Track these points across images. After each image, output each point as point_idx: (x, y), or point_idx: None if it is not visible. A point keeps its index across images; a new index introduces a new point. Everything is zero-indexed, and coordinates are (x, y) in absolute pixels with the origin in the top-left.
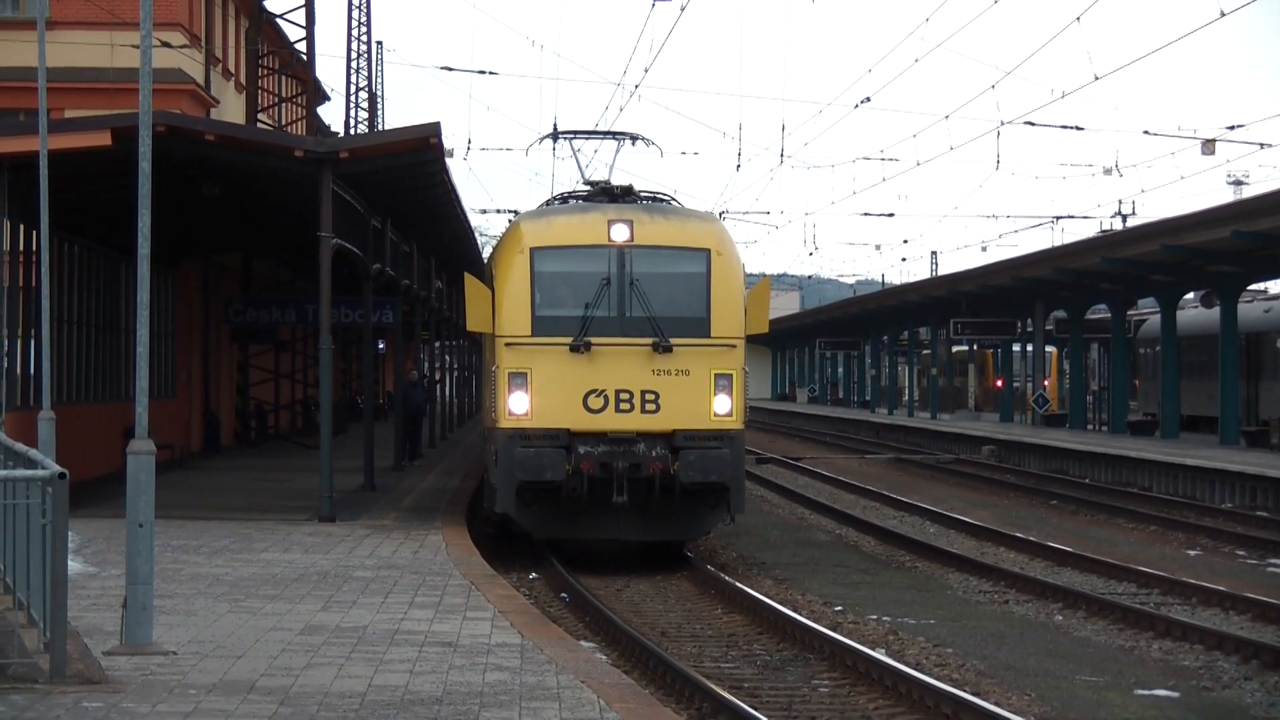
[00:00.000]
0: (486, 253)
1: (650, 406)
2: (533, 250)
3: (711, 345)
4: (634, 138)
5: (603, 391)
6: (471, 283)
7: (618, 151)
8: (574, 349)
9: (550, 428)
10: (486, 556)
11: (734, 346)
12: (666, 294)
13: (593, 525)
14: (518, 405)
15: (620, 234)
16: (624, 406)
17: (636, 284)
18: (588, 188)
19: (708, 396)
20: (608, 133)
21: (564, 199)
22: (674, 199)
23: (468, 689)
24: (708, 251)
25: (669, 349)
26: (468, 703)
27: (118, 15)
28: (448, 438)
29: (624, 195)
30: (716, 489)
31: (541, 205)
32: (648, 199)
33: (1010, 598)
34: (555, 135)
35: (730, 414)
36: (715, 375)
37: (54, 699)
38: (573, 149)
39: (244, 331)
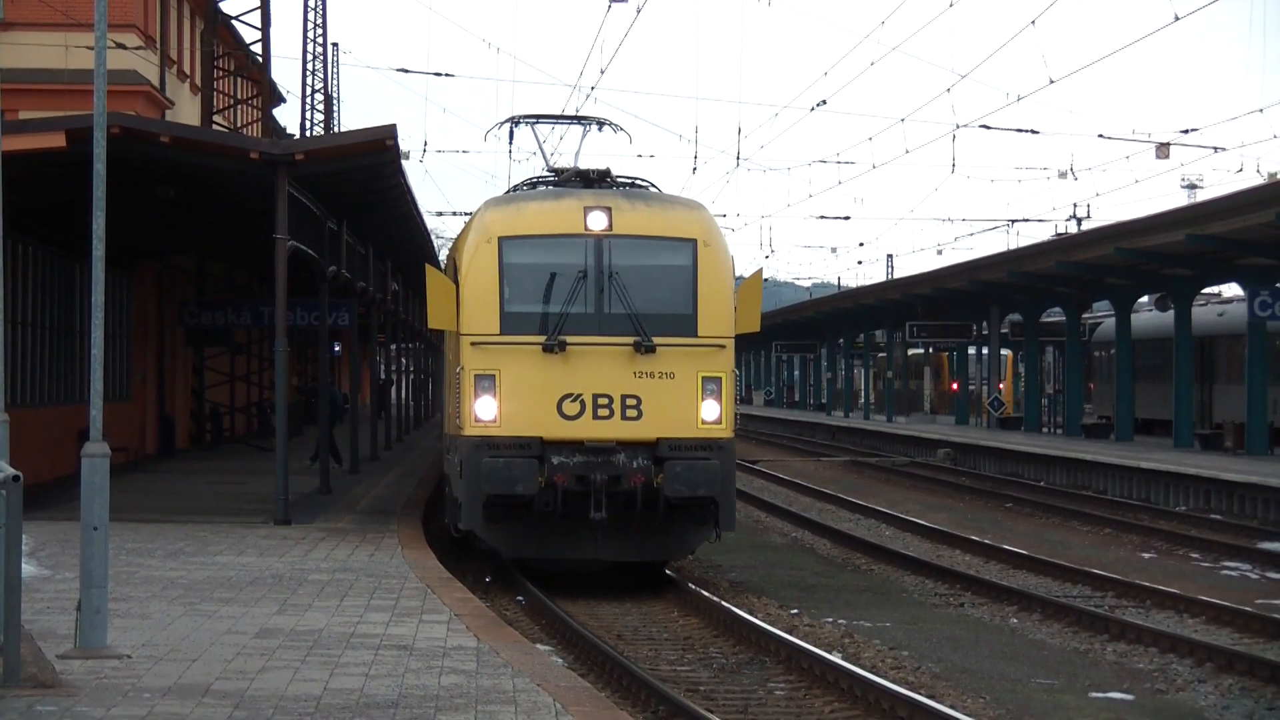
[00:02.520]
0: (443, 255)
1: (631, 413)
2: (501, 240)
3: (699, 345)
4: (601, 123)
5: (579, 396)
6: (433, 275)
7: (584, 137)
8: (547, 349)
9: (521, 436)
10: (442, 559)
11: (723, 347)
12: (649, 288)
13: (567, 544)
14: (485, 411)
15: (598, 222)
16: (602, 413)
17: (616, 277)
18: (553, 176)
19: (695, 402)
20: (573, 117)
21: (533, 184)
22: (654, 185)
23: (424, 692)
24: (694, 242)
25: (652, 349)
26: (424, 706)
27: (72, 16)
28: (404, 440)
29: (600, 180)
30: (704, 504)
31: (509, 190)
32: (626, 184)
33: (965, 600)
34: (515, 120)
35: (719, 421)
36: (703, 378)
37: (7, 703)
38: (535, 135)
39: (199, 334)
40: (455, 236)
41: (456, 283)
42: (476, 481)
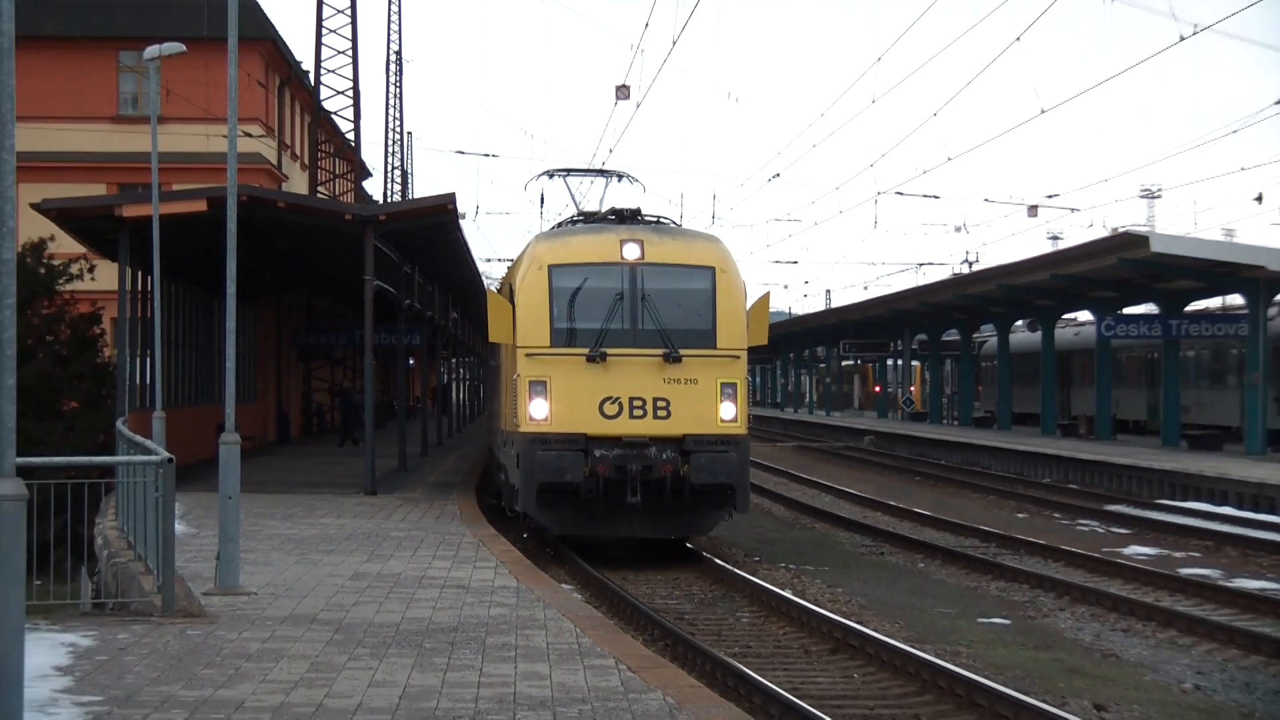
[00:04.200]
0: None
1: (661, 413)
2: (550, 267)
3: (717, 356)
4: (620, 175)
5: (617, 399)
6: (494, 298)
7: (606, 187)
8: (590, 359)
9: (569, 432)
10: (491, 521)
11: (738, 357)
12: (675, 308)
13: (608, 523)
14: (538, 411)
15: (632, 252)
16: (637, 413)
17: (648, 299)
18: (582, 217)
19: (714, 403)
20: (599, 170)
21: (574, 221)
22: (676, 222)
23: (477, 620)
24: (713, 269)
25: (678, 359)
26: (477, 630)
27: (212, 112)
28: (461, 431)
29: (633, 217)
30: (724, 489)
31: (555, 227)
32: (653, 221)
33: (885, 550)
34: (551, 173)
35: (735, 420)
36: (721, 384)
37: (165, 628)
38: (567, 185)
39: (307, 351)
40: (508, 267)
41: (513, 303)
42: (531, 471)
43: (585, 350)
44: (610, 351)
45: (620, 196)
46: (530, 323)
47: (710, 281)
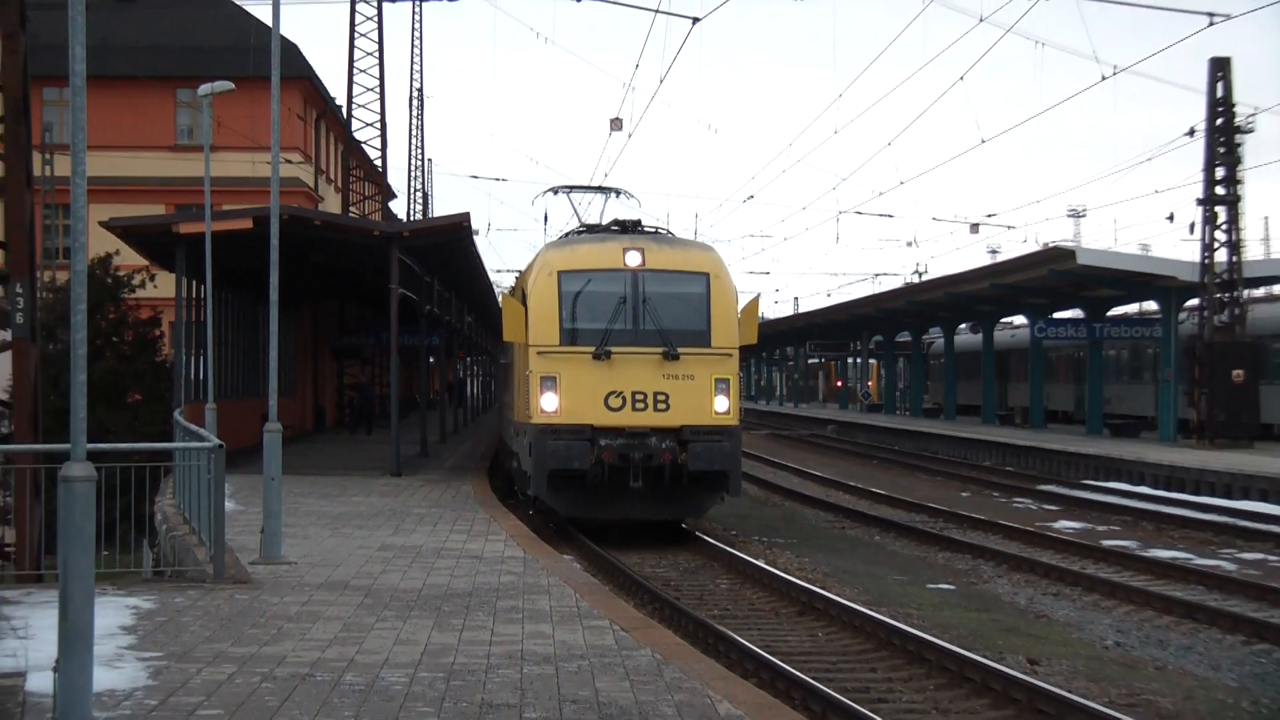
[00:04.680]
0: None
1: (661, 406)
2: (560, 273)
3: (712, 354)
4: (618, 191)
5: (621, 393)
6: (508, 301)
7: (605, 202)
8: (596, 357)
9: (576, 424)
10: (501, 501)
11: (730, 355)
12: (673, 310)
13: (612, 506)
14: (548, 404)
15: (634, 259)
16: (639, 406)
17: (648, 302)
18: (585, 229)
19: (709, 397)
20: (599, 187)
21: (580, 231)
22: (671, 232)
23: (489, 586)
24: (707, 275)
25: (676, 357)
26: (489, 595)
27: (257, 141)
28: (474, 421)
29: (634, 228)
30: (718, 475)
31: (563, 236)
32: (652, 231)
33: (845, 525)
34: (555, 190)
35: (728, 412)
36: (715, 379)
37: (216, 593)
38: (570, 201)
39: (341, 351)
40: (520, 273)
41: (525, 306)
42: (543, 459)
43: (591, 348)
44: (614, 350)
45: (617, 211)
46: (541, 323)
47: (705, 286)
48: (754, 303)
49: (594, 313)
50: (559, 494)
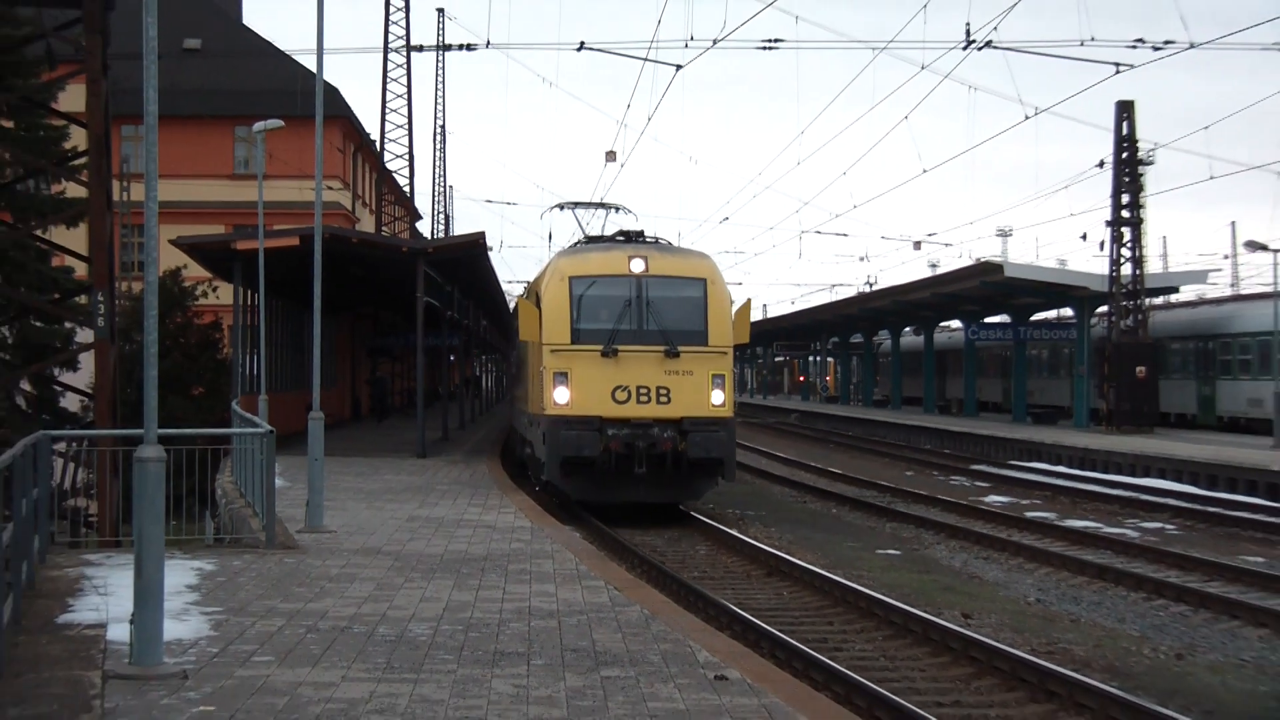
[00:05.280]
0: (512, 305)
1: (663, 399)
2: (571, 278)
3: (708, 352)
4: (617, 208)
5: (627, 387)
6: (524, 303)
7: (606, 216)
8: (604, 354)
9: (586, 415)
10: (511, 479)
11: (725, 353)
12: (674, 312)
13: (618, 490)
14: (561, 397)
15: (638, 266)
16: (643, 399)
17: (651, 304)
18: (588, 240)
19: (706, 392)
20: (600, 204)
21: (587, 242)
22: (670, 241)
23: (501, 551)
24: (705, 280)
25: (677, 354)
26: (501, 559)
27: (303, 171)
28: (488, 412)
29: (637, 237)
30: (715, 462)
31: (573, 245)
32: (653, 241)
33: (807, 499)
34: (561, 206)
35: (723, 405)
36: (711, 375)
37: (269, 556)
38: (575, 215)
39: (375, 351)
40: (532, 279)
41: (539, 308)
42: (556, 447)
43: (600, 346)
44: (620, 348)
45: (616, 225)
46: (554, 324)
47: (702, 290)
48: (746, 305)
49: (602, 314)
50: (570, 479)
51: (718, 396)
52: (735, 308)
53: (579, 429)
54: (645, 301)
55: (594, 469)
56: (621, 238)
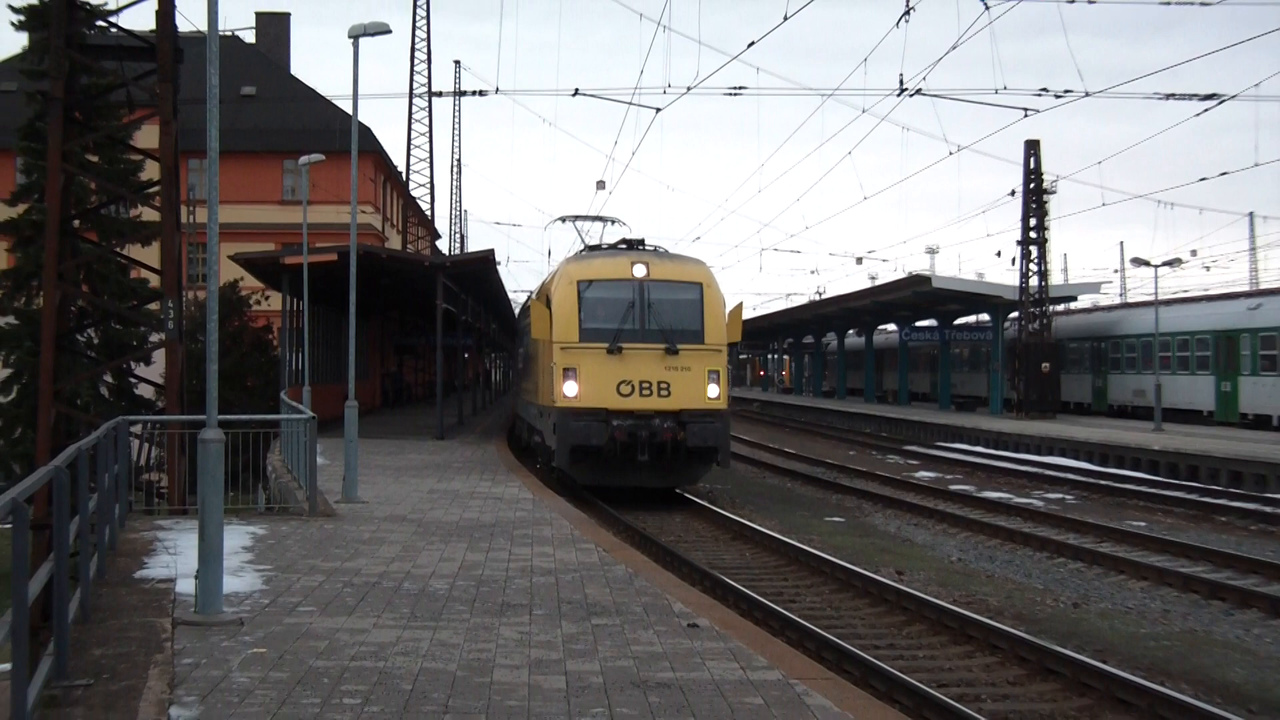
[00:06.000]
0: (518, 311)
1: (664, 392)
2: (579, 282)
3: (705, 349)
4: (613, 220)
5: (630, 381)
6: (535, 305)
7: (604, 228)
8: (610, 351)
9: (593, 407)
10: (517, 458)
11: (720, 351)
12: (673, 313)
13: (623, 475)
14: (569, 391)
15: (640, 271)
16: (645, 392)
17: (652, 306)
18: (587, 249)
19: (703, 386)
20: (599, 217)
21: (591, 249)
22: (668, 249)
23: (508, 519)
24: (701, 284)
25: (676, 351)
26: (508, 526)
27: (340, 197)
28: (496, 402)
29: (639, 245)
30: (711, 450)
31: (580, 252)
32: (653, 248)
33: (766, 475)
34: (563, 219)
35: (718, 398)
36: (708, 370)
37: (311, 523)
38: (575, 227)
39: (401, 349)
40: (540, 285)
41: (549, 309)
42: (565, 436)
43: (605, 344)
44: (625, 346)
45: (612, 237)
46: (564, 323)
47: (699, 293)
48: (739, 307)
49: (607, 315)
50: (578, 465)
51: (713, 390)
52: (729, 309)
53: (587, 420)
54: (647, 303)
55: (600, 456)
56: (624, 245)
